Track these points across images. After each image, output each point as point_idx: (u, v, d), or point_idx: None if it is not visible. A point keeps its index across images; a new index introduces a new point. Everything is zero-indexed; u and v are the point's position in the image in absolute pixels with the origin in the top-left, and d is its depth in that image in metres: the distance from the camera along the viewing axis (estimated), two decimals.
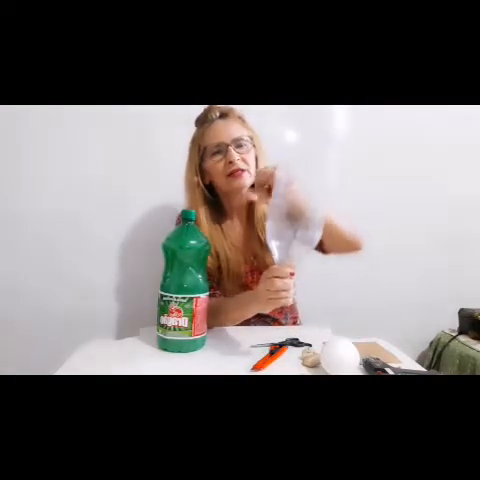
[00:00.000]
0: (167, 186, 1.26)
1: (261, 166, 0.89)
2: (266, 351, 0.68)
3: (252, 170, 0.87)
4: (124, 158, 1.26)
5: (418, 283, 1.45)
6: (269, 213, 0.65)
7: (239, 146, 0.86)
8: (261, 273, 0.89)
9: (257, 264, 0.93)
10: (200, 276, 0.69)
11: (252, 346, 0.71)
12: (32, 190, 1.24)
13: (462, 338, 1.33)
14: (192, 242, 0.68)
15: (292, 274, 0.64)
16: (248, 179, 0.87)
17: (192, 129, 1.30)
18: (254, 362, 0.62)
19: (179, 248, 0.67)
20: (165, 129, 1.26)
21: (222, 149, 0.85)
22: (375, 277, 1.41)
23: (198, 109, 1.18)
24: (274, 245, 0.63)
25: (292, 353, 0.69)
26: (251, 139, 0.88)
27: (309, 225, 0.62)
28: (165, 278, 0.68)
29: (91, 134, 1.24)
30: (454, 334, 1.36)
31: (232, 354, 0.68)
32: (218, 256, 0.89)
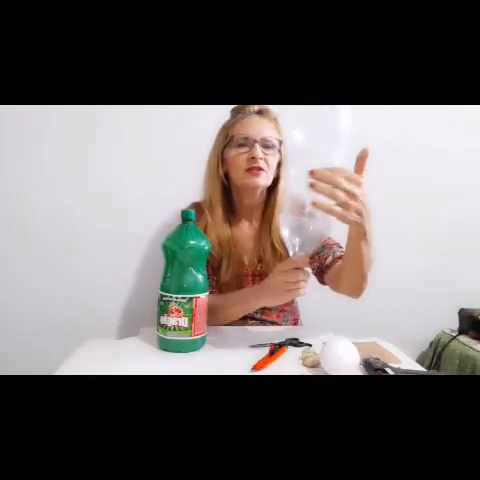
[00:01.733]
0: (168, 186, 1.26)
1: (283, 173, 0.89)
2: (266, 351, 0.68)
3: (271, 173, 0.87)
4: (124, 158, 1.26)
5: (418, 283, 1.45)
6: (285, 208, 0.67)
7: (266, 146, 0.84)
8: (262, 278, 0.89)
9: (260, 269, 0.93)
10: (200, 276, 0.69)
11: (252, 346, 0.71)
12: (32, 191, 1.24)
13: (462, 338, 1.33)
14: (192, 242, 0.68)
15: (303, 265, 0.68)
16: (264, 180, 0.86)
17: (192, 129, 1.30)
18: (254, 362, 0.62)
19: (179, 248, 0.67)
20: (166, 129, 1.26)
21: (249, 143, 0.84)
22: (375, 277, 1.41)
23: (198, 109, 1.18)
24: (291, 239, 0.66)
25: (292, 353, 0.69)
26: (279, 143, 0.86)
27: (320, 221, 0.64)
28: (165, 278, 0.68)
29: (91, 134, 1.24)
30: (454, 334, 1.36)
31: (232, 354, 0.68)
32: (222, 250, 0.89)
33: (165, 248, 0.68)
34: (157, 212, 1.23)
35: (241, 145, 0.85)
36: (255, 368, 0.61)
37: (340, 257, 0.87)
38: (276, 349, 0.68)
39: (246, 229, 0.95)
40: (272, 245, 0.91)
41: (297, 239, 0.66)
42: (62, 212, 1.26)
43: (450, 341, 1.34)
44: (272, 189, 0.92)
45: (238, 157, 0.85)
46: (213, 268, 0.91)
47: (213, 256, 0.83)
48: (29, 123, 1.21)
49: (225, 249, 0.89)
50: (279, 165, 0.89)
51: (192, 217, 0.70)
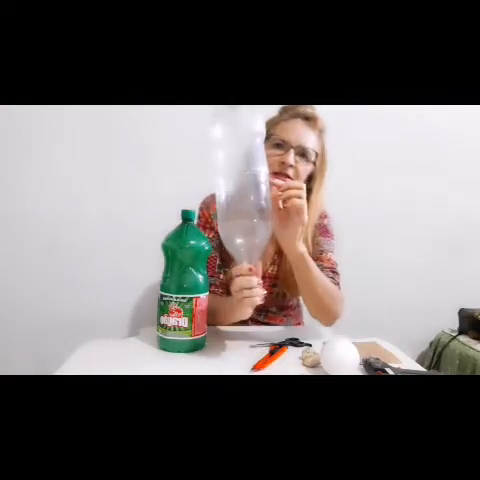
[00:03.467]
0: (168, 186, 1.26)
1: (316, 187, 0.87)
2: (266, 351, 0.68)
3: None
4: (124, 158, 1.26)
5: (418, 283, 1.45)
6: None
7: (301, 155, 0.82)
8: (272, 281, 0.90)
9: (271, 271, 0.91)
10: (200, 276, 0.69)
11: (252, 346, 0.71)
12: (32, 191, 1.24)
13: (462, 338, 1.33)
14: (192, 242, 0.68)
15: (251, 270, 0.62)
16: None
17: (191, 129, 1.30)
18: (254, 362, 0.62)
19: (179, 248, 0.67)
20: (166, 129, 1.26)
21: (285, 147, 0.81)
22: (375, 277, 1.41)
23: (199, 109, 1.18)
24: (234, 244, 0.63)
25: (292, 353, 0.69)
26: (316, 155, 0.84)
27: (263, 221, 0.62)
28: (165, 278, 0.68)
29: (91, 134, 1.25)
30: (454, 334, 1.36)
31: (232, 354, 0.68)
32: None
33: (165, 248, 0.68)
34: (157, 212, 1.22)
35: (277, 146, 0.83)
36: (255, 368, 0.61)
37: None
38: (276, 349, 0.68)
39: None
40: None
41: (247, 244, 0.63)
42: (62, 212, 1.26)
43: (450, 341, 1.34)
44: None
45: (270, 157, 0.81)
46: (223, 262, 0.89)
47: (226, 251, 0.81)
48: (28, 123, 1.21)
49: None
50: (312, 178, 0.87)
51: (192, 217, 0.70)
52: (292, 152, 0.81)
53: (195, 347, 0.68)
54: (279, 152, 0.82)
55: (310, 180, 0.86)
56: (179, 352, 0.67)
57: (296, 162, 0.81)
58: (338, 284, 0.86)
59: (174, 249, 0.67)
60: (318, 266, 0.82)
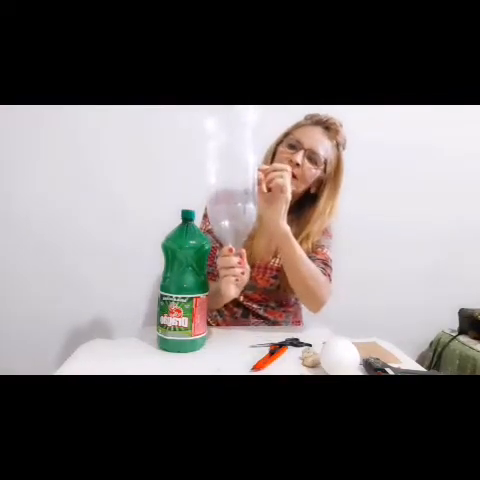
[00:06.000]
0: (168, 186, 1.26)
1: (324, 194, 0.89)
2: (266, 351, 0.68)
3: (303, 184, 0.87)
4: (124, 158, 1.26)
5: (418, 283, 1.45)
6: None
7: (310, 159, 0.85)
8: (273, 273, 0.92)
9: (273, 264, 0.93)
10: (200, 276, 0.69)
11: (252, 346, 0.71)
12: (31, 192, 1.24)
13: (462, 338, 1.33)
14: (192, 242, 0.68)
15: (231, 251, 0.69)
16: (292, 186, 0.83)
17: (190, 128, 1.30)
18: (254, 362, 0.62)
19: (179, 248, 0.67)
20: (166, 129, 1.26)
21: (297, 147, 0.86)
22: (375, 277, 1.41)
23: (199, 109, 1.18)
24: (220, 227, 0.68)
25: (292, 353, 0.69)
26: (323, 163, 0.87)
27: (247, 205, 0.67)
28: (165, 278, 0.68)
29: (91, 134, 1.25)
30: (454, 334, 1.36)
31: (232, 354, 0.68)
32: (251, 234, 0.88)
33: (165, 248, 0.68)
34: (157, 212, 1.22)
35: (290, 146, 0.87)
36: (255, 368, 0.61)
37: None
38: (276, 349, 0.68)
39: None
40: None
41: (231, 227, 0.68)
42: (62, 213, 1.26)
43: (450, 341, 1.34)
44: (310, 204, 0.91)
45: (282, 155, 0.88)
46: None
47: None
48: (28, 123, 1.21)
49: (251, 235, 0.89)
50: (322, 184, 0.90)
51: (192, 217, 0.70)
52: (301, 153, 0.85)
53: (195, 347, 0.68)
54: (291, 151, 0.86)
55: (319, 186, 0.90)
56: (179, 352, 0.67)
57: (304, 164, 0.85)
58: (329, 276, 0.89)
59: (174, 249, 0.67)
60: (310, 257, 0.85)
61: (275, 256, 0.93)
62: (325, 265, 0.90)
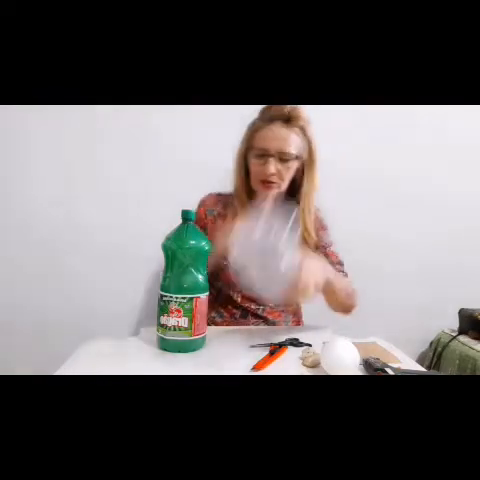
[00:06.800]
0: (168, 186, 1.26)
1: (307, 179, 0.89)
2: (266, 351, 0.68)
3: (284, 183, 0.88)
4: (124, 158, 1.26)
5: (418, 283, 1.45)
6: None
7: (282, 159, 0.85)
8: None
9: None
10: (200, 276, 0.69)
11: (252, 346, 0.71)
12: (33, 191, 1.24)
13: (462, 338, 1.33)
14: (192, 242, 0.68)
15: None
16: (275, 190, 0.87)
17: (190, 128, 1.30)
18: (254, 362, 0.62)
19: (179, 248, 0.67)
20: (166, 128, 1.26)
21: (265, 156, 0.84)
22: (375, 277, 1.41)
23: (199, 108, 1.18)
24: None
25: (292, 353, 0.69)
26: (295, 156, 0.85)
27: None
28: (165, 278, 0.68)
29: (91, 135, 1.24)
30: (454, 334, 1.36)
31: (232, 354, 0.68)
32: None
33: (165, 248, 0.68)
34: (157, 212, 1.23)
35: (259, 156, 0.86)
36: (255, 368, 0.61)
37: None
38: (276, 349, 0.68)
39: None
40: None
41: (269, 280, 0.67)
42: (63, 213, 1.26)
43: (450, 341, 1.34)
44: (295, 192, 0.92)
45: (254, 167, 0.87)
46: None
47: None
48: (28, 123, 1.21)
49: None
50: (302, 171, 0.89)
51: (192, 217, 0.70)
52: (272, 161, 0.84)
53: (195, 347, 0.68)
54: (261, 161, 0.85)
55: (302, 171, 0.90)
56: (179, 352, 0.67)
57: (279, 167, 0.85)
58: (346, 274, 0.94)
59: (174, 249, 0.67)
60: (329, 263, 0.88)
61: None
62: (340, 265, 0.95)
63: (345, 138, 1.32)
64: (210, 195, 0.99)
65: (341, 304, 0.86)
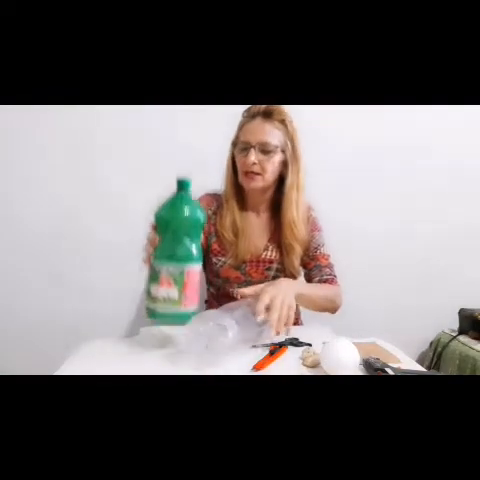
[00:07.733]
0: (168, 186, 1.26)
1: (290, 171, 0.90)
2: (266, 351, 0.68)
3: (267, 175, 0.89)
4: (124, 158, 1.26)
5: (418, 283, 1.45)
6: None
7: (263, 151, 0.87)
8: (266, 265, 0.95)
9: (265, 257, 0.96)
10: (193, 246, 0.65)
11: (252, 346, 0.71)
12: (33, 194, 1.24)
13: (462, 338, 1.33)
14: (186, 212, 0.64)
15: None
16: (259, 183, 0.90)
17: (190, 128, 1.30)
18: (254, 362, 0.62)
19: (173, 218, 0.64)
20: (165, 128, 1.26)
21: (247, 148, 0.88)
22: (375, 277, 1.41)
23: (199, 108, 1.18)
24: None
25: (292, 353, 0.69)
26: (277, 147, 0.88)
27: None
28: (157, 248, 0.65)
29: (91, 135, 1.24)
30: (454, 334, 1.36)
31: (232, 354, 0.68)
32: (234, 235, 0.94)
33: (158, 217, 0.65)
34: None
35: (243, 149, 0.89)
36: (255, 368, 0.61)
37: (326, 281, 0.94)
38: (276, 349, 0.68)
39: (253, 219, 0.98)
40: (279, 236, 0.95)
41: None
42: (63, 214, 1.26)
43: (450, 341, 1.34)
44: (280, 187, 0.94)
45: (239, 160, 0.91)
46: (221, 250, 0.95)
47: (226, 239, 0.93)
48: (27, 123, 1.21)
49: (235, 234, 0.94)
50: (286, 165, 0.91)
51: (188, 186, 0.66)
52: (252, 151, 0.87)
53: (184, 319, 0.65)
54: (244, 154, 0.89)
55: (286, 167, 0.91)
56: (167, 324, 0.65)
57: (261, 159, 0.87)
58: (335, 276, 0.96)
59: (168, 219, 0.64)
60: (316, 267, 0.95)
61: (266, 249, 0.96)
62: (330, 269, 0.96)
63: (345, 138, 1.32)
64: (205, 195, 1.01)
65: (323, 308, 0.90)
